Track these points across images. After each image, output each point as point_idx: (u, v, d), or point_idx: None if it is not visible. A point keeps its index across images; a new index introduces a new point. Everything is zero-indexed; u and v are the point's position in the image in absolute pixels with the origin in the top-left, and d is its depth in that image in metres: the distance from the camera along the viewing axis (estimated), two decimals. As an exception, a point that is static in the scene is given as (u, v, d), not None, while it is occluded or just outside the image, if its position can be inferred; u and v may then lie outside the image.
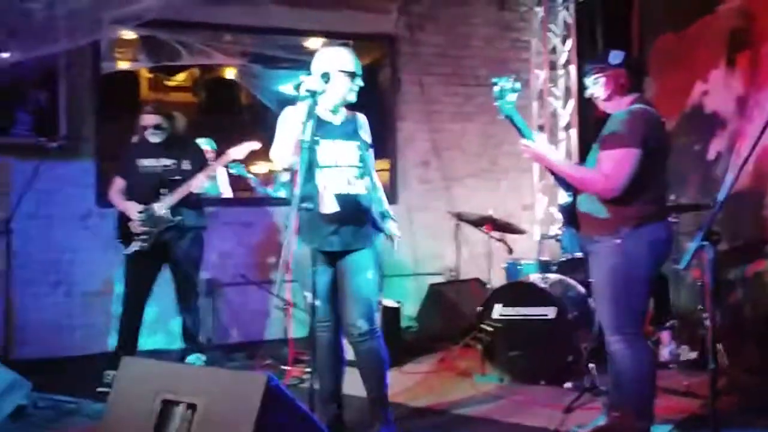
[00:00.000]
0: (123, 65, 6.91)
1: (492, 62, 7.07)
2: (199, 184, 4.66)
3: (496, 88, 3.50)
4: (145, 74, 9.13)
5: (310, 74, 3.49)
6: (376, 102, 6.80)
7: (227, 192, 6.50)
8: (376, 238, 3.68)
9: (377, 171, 3.94)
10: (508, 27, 7.24)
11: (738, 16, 5.47)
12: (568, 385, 4.46)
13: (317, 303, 3.31)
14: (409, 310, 6.26)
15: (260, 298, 6.14)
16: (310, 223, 3.43)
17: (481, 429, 3.97)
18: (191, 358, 4.89)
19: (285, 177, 7.12)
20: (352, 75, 3.57)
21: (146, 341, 5.77)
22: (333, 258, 3.61)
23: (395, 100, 6.79)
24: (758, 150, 4.75)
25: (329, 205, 3.53)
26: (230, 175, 6.99)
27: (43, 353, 5.50)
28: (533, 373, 4.73)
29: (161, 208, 4.69)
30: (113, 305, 5.51)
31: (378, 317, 3.77)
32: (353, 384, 3.75)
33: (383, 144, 6.48)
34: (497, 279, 5.51)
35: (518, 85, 3.51)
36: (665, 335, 5.02)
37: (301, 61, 6.71)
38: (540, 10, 7.10)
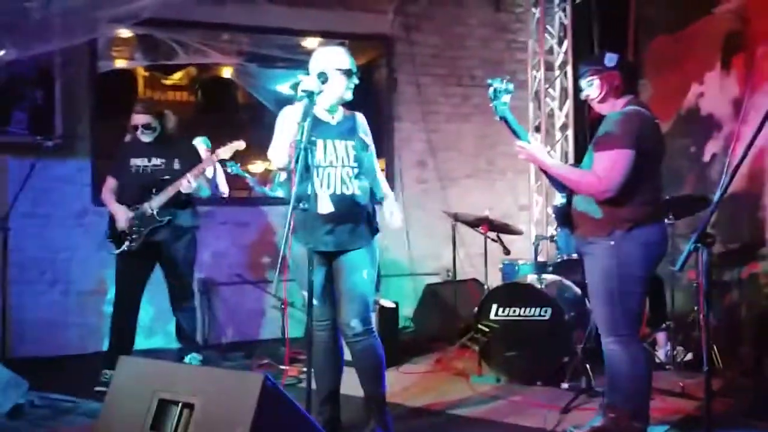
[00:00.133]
0: (120, 64, 6.90)
1: (488, 63, 7.09)
2: (186, 183, 4.61)
3: (490, 90, 3.51)
4: (141, 73, 9.13)
5: (307, 74, 3.49)
6: (373, 102, 6.80)
7: (225, 190, 6.51)
8: (373, 238, 3.67)
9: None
10: (504, 28, 7.25)
11: (733, 19, 5.49)
12: (564, 385, 4.47)
13: (314, 302, 3.31)
14: (406, 310, 6.27)
15: (257, 297, 6.15)
16: (305, 224, 3.44)
17: (477, 429, 3.97)
18: (188, 358, 4.89)
19: (283, 176, 7.13)
20: (349, 73, 3.57)
21: (145, 341, 5.79)
22: (329, 258, 3.62)
23: (391, 101, 6.80)
24: (754, 152, 4.77)
25: (324, 206, 3.53)
26: (227, 175, 7.00)
27: (40, 352, 5.51)
28: (530, 374, 4.75)
29: (150, 208, 4.67)
30: (105, 305, 5.49)
31: (374, 317, 3.77)
32: (351, 384, 3.76)
33: (379, 144, 6.47)
34: (494, 279, 5.52)
35: (512, 86, 3.52)
36: (661, 336, 5.04)
37: (298, 61, 6.72)
38: (536, 12, 7.11)
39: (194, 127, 6.33)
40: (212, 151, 4.89)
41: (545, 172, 3.63)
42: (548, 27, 7.10)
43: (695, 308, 4.89)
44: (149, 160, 4.77)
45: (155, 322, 5.77)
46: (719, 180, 3.04)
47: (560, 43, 7.07)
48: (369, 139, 3.71)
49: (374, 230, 3.69)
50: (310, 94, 3.33)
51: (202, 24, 6.29)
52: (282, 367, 4.88)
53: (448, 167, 7.02)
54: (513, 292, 4.94)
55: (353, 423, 3.76)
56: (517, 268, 5.54)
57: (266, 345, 5.84)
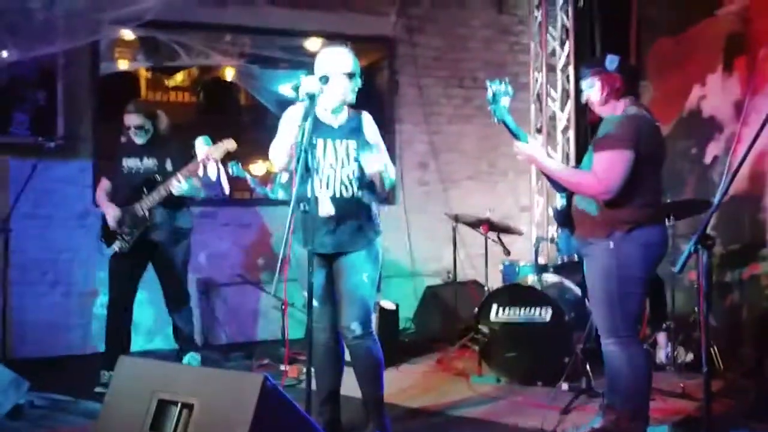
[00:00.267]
0: (122, 65, 6.92)
1: (490, 65, 7.09)
2: (176, 184, 4.55)
3: (489, 92, 3.50)
4: (144, 74, 9.14)
5: (309, 75, 3.49)
6: (374, 104, 6.80)
7: (226, 189, 6.51)
8: (375, 239, 3.65)
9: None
10: (506, 30, 7.25)
11: (735, 21, 5.49)
12: (564, 386, 4.47)
13: (314, 304, 3.31)
14: (407, 311, 6.27)
15: (257, 298, 6.16)
16: (306, 225, 3.43)
17: (477, 430, 3.98)
18: (187, 359, 4.89)
19: (284, 178, 7.15)
20: (351, 75, 3.56)
21: (146, 343, 5.81)
22: (329, 260, 3.61)
23: (393, 103, 6.81)
24: (755, 154, 4.76)
25: (325, 207, 3.53)
26: (228, 175, 7.00)
27: (41, 353, 5.52)
28: (530, 375, 4.75)
29: (141, 208, 4.66)
30: (98, 307, 5.47)
31: (375, 318, 3.77)
32: (351, 385, 3.76)
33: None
34: (494, 281, 5.53)
35: (511, 88, 3.51)
36: (661, 337, 5.03)
37: (300, 62, 6.73)
38: (539, 14, 7.11)
39: (196, 129, 6.34)
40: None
41: (546, 174, 3.64)
42: (550, 29, 7.10)
43: (696, 309, 4.89)
44: (141, 161, 4.77)
45: (156, 323, 5.78)
46: (720, 182, 3.03)
47: (562, 45, 7.07)
48: (375, 138, 3.65)
49: (376, 232, 3.67)
50: (311, 96, 3.33)
51: (204, 26, 6.30)
52: (282, 367, 4.88)
53: (449, 169, 7.02)
54: (513, 293, 4.94)
55: (353, 424, 3.76)
56: (517, 269, 5.54)
57: (266, 346, 5.85)
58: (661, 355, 4.98)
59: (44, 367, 5.18)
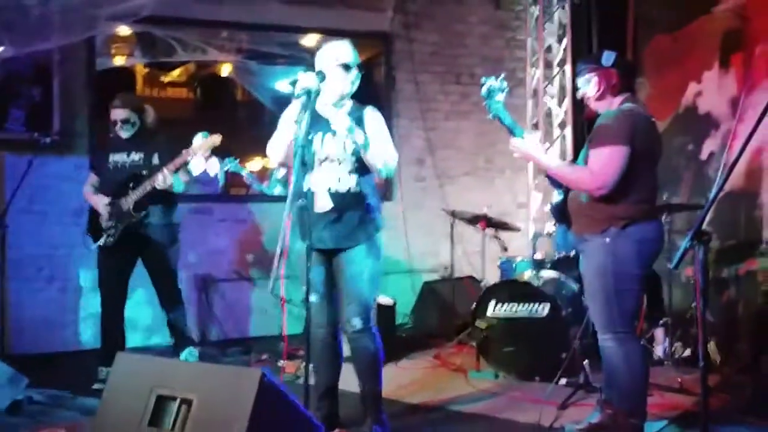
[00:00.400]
0: (118, 61, 6.91)
1: (487, 61, 7.09)
2: (161, 178, 4.51)
3: (483, 88, 3.50)
4: (140, 70, 9.13)
5: (306, 71, 3.48)
6: (371, 100, 6.77)
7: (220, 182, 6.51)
8: (375, 234, 3.62)
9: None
10: (503, 26, 7.25)
11: (732, 18, 5.49)
12: (562, 381, 4.48)
13: (312, 299, 3.32)
14: (404, 307, 6.28)
15: (256, 293, 6.15)
16: (303, 220, 3.44)
17: (475, 425, 3.98)
18: (184, 354, 4.87)
19: (281, 173, 7.15)
20: (346, 67, 3.53)
21: (145, 339, 5.80)
22: (328, 255, 3.61)
23: (390, 98, 6.81)
24: (751, 150, 4.78)
25: (322, 202, 3.53)
26: (225, 172, 6.99)
27: (39, 348, 5.51)
28: (528, 370, 4.76)
29: (126, 203, 4.62)
30: (92, 303, 5.45)
31: (373, 314, 3.76)
32: (349, 380, 3.76)
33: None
34: (491, 276, 5.54)
35: (506, 84, 3.51)
36: (659, 333, 5.05)
37: (297, 58, 6.73)
38: (536, 10, 7.12)
39: (192, 125, 6.34)
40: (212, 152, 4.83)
41: (542, 170, 3.64)
42: (547, 25, 7.10)
43: (693, 305, 4.90)
44: (128, 156, 4.73)
45: (154, 321, 5.77)
46: (716, 178, 3.05)
47: (559, 41, 7.07)
48: (377, 130, 3.56)
49: (377, 226, 3.63)
50: (308, 92, 3.33)
51: (201, 21, 6.29)
52: (280, 363, 4.89)
53: (446, 165, 7.03)
54: (511, 288, 4.95)
55: (352, 419, 3.77)
56: (514, 265, 5.54)
57: (265, 341, 5.85)
58: (658, 351, 5.00)
59: (42, 363, 5.18)
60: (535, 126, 7.11)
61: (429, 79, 6.98)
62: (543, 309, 4.73)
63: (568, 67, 6.95)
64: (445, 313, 6.09)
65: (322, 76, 3.42)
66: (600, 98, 3.53)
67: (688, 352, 4.90)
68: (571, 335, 4.58)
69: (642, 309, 4.73)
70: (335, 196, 3.53)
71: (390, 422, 3.72)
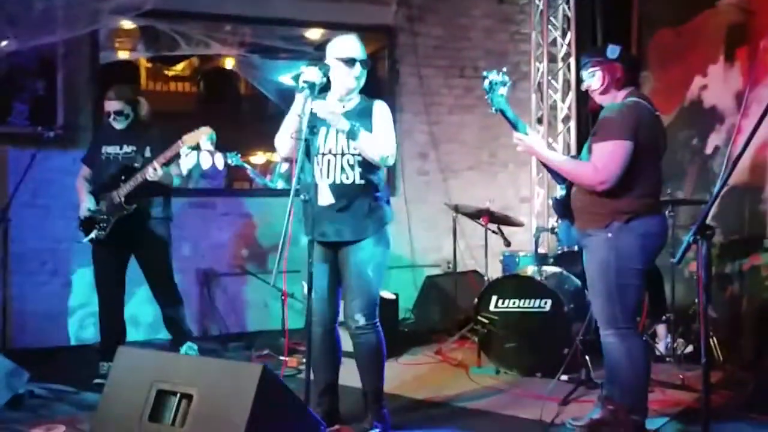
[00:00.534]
0: (122, 55, 6.90)
1: (491, 54, 7.07)
2: (152, 171, 4.46)
3: (485, 82, 3.48)
4: (144, 64, 9.12)
5: (309, 65, 3.46)
6: (375, 94, 6.75)
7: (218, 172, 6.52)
8: (381, 228, 3.58)
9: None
10: (507, 19, 7.22)
11: (737, 11, 5.46)
12: (563, 378, 4.47)
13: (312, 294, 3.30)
14: (406, 301, 6.27)
15: (258, 288, 6.15)
16: (307, 214, 3.43)
17: (476, 421, 3.97)
18: (184, 349, 4.84)
19: (284, 167, 7.15)
20: (350, 62, 3.52)
21: (147, 335, 5.81)
22: (333, 248, 3.59)
23: (394, 92, 6.78)
24: (756, 145, 4.75)
25: (324, 196, 3.52)
26: (228, 166, 6.99)
27: (41, 343, 5.52)
28: (529, 366, 4.75)
29: (118, 196, 4.58)
30: (95, 297, 5.43)
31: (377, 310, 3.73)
32: (351, 375, 3.76)
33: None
34: (494, 271, 5.52)
35: (508, 78, 3.49)
36: (661, 329, 5.04)
37: (301, 52, 6.72)
38: (540, 3, 7.08)
39: (196, 119, 6.34)
40: (216, 146, 4.81)
41: (545, 164, 3.63)
42: (552, 18, 7.07)
43: (696, 300, 4.89)
44: (121, 148, 4.69)
45: (156, 318, 5.74)
46: (721, 172, 3.03)
47: (563, 35, 7.04)
48: (380, 124, 3.54)
49: (383, 220, 3.60)
50: (311, 85, 3.32)
51: (204, 15, 6.27)
52: (282, 358, 4.88)
53: (449, 159, 7.01)
54: (513, 283, 4.94)
55: (353, 414, 3.77)
56: (517, 259, 5.54)
57: (266, 336, 5.85)
58: (660, 347, 4.98)
59: (44, 358, 5.19)
60: (540, 120, 7.09)
61: (433, 73, 6.96)
62: (545, 304, 4.72)
63: (572, 61, 6.92)
64: (447, 307, 6.08)
65: (325, 69, 3.41)
66: (604, 92, 3.52)
67: (690, 348, 4.89)
68: (574, 331, 4.57)
69: (644, 305, 4.72)
70: (339, 189, 3.51)
71: (391, 418, 3.71)
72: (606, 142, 3.33)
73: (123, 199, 4.57)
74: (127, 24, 6.22)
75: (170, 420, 2.71)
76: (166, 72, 10.18)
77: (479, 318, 4.91)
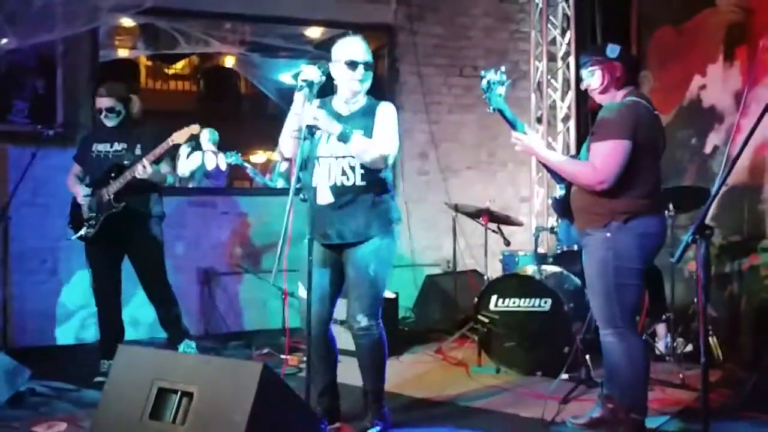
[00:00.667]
0: (122, 53, 6.91)
1: (491, 53, 7.07)
2: (141, 169, 4.43)
3: (483, 81, 3.47)
4: (144, 62, 9.13)
5: (308, 63, 3.47)
6: (374, 93, 6.77)
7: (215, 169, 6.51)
8: (385, 229, 3.56)
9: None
10: (507, 18, 7.22)
11: (736, 11, 5.46)
12: (563, 376, 4.48)
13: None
14: (406, 301, 6.28)
15: (258, 287, 6.16)
16: (308, 215, 3.43)
17: (476, 420, 3.97)
18: (182, 347, 4.80)
19: (283, 167, 7.15)
20: (352, 64, 3.51)
21: (148, 333, 5.81)
22: (335, 251, 3.58)
23: (393, 91, 6.78)
24: (755, 144, 4.75)
25: (324, 197, 3.52)
26: (228, 165, 7.01)
27: (41, 341, 5.53)
28: (529, 365, 4.76)
29: (107, 193, 4.56)
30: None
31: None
32: (352, 374, 3.76)
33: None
34: (494, 270, 5.53)
35: (506, 77, 3.48)
36: (661, 328, 5.04)
37: (301, 51, 6.73)
38: (540, 2, 7.08)
39: (196, 117, 6.34)
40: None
41: (544, 164, 3.63)
42: (551, 18, 7.08)
43: (695, 300, 4.89)
44: (111, 145, 4.67)
45: (156, 319, 5.76)
46: (720, 172, 3.04)
47: (563, 34, 7.04)
48: (381, 125, 3.52)
49: (388, 221, 3.58)
50: (310, 84, 3.32)
51: (204, 13, 6.27)
52: (282, 356, 4.89)
53: (449, 158, 7.01)
54: (513, 283, 4.94)
55: (353, 413, 3.77)
56: (517, 259, 5.54)
57: (267, 335, 5.85)
58: (660, 346, 4.99)
59: (45, 356, 5.20)
60: (539, 119, 7.09)
61: (432, 72, 6.96)
62: (545, 304, 4.73)
63: (572, 60, 6.92)
64: (447, 307, 6.09)
65: (324, 69, 3.40)
66: (604, 91, 3.52)
67: (690, 347, 4.89)
68: (573, 330, 4.57)
69: (644, 304, 4.72)
70: (339, 190, 3.50)
71: (391, 417, 3.72)
72: (605, 141, 3.33)
73: (112, 197, 4.54)
74: (127, 22, 6.23)
75: (171, 418, 2.71)
76: (165, 70, 10.20)
77: (479, 317, 4.92)
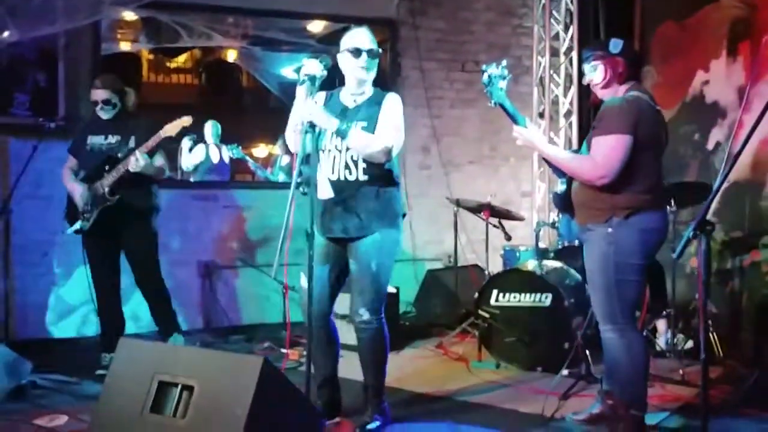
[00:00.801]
0: (124, 47, 6.90)
1: (493, 48, 7.06)
2: (134, 161, 4.42)
3: (484, 76, 3.46)
4: (146, 56, 9.12)
5: (310, 57, 3.46)
6: (376, 87, 6.78)
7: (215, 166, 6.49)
8: (389, 223, 3.54)
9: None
10: (510, 13, 7.21)
11: (740, 7, 5.45)
12: (564, 372, 4.48)
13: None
14: (407, 295, 6.28)
15: (259, 281, 6.16)
16: (310, 208, 3.42)
17: (476, 415, 3.98)
18: (171, 340, 4.74)
19: (285, 160, 7.15)
20: (356, 52, 3.49)
21: (149, 326, 5.80)
22: (339, 245, 3.58)
23: (395, 86, 6.77)
24: (758, 141, 4.74)
25: (324, 191, 3.52)
26: (230, 159, 7.01)
27: (43, 334, 5.54)
28: (530, 360, 4.76)
29: (101, 186, 4.56)
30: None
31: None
32: (353, 368, 3.77)
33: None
34: (495, 265, 5.53)
35: (507, 71, 3.47)
36: (661, 324, 5.04)
37: (303, 45, 6.72)
38: (543, -3, 7.07)
39: (198, 111, 6.34)
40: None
41: (545, 158, 3.63)
42: (554, 13, 7.06)
43: (696, 296, 4.89)
44: (106, 138, 4.67)
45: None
46: (722, 167, 3.04)
47: (566, 29, 7.03)
48: (385, 117, 3.51)
49: (392, 215, 3.57)
50: (312, 78, 3.32)
51: (206, 7, 6.26)
52: (283, 350, 4.90)
53: (451, 153, 7.01)
54: (514, 278, 4.94)
55: (355, 407, 3.77)
56: (518, 254, 5.54)
57: (268, 329, 5.86)
58: (661, 342, 4.99)
59: (46, 349, 5.21)
60: (541, 114, 7.08)
61: (434, 67, 6.95)
62: (546, 299, 4.73)
63: (574, 55, 6.91)
64: (448, 301, 6.09)
65: (326, 63, 3.40)
66: (606, 86, 3.51)
67: (690, 343, 4.90)
68: (574, 325, 4.57)
69: (645, 300, 4.72)
70: (338, 184, 3.50)
71: (391, 411, 3.73)
72: (606, 136, 3.32)
73: (106, 190, 4.54)
74: (129, 15, 6.22)
75: (171, 411, 2.72)
76: (167, 64, 10.19)
77: (480, 312, 4.92)
